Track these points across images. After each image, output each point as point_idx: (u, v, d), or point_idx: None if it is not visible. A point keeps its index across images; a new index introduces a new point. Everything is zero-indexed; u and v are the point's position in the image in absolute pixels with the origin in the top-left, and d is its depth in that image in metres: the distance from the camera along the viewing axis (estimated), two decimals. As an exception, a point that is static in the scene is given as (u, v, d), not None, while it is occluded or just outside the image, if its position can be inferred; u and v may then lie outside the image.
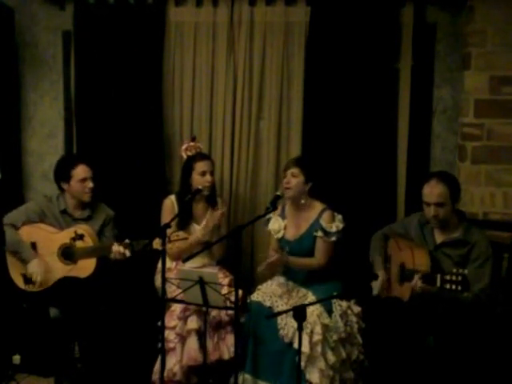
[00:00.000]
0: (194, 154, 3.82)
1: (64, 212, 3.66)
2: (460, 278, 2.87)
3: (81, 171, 3.62)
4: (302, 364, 3.22)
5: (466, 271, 2.90)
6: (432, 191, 3.17)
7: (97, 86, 4.15)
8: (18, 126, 4.36)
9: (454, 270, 2.91)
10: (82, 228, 3.56)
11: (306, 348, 3.21)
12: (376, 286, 3.30)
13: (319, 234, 3.51)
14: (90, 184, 3.62)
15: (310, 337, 3.25)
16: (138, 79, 4.11)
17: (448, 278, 2.91)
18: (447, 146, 4.05)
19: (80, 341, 3.60)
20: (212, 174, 3.76)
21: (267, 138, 4.17)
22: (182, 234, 3.40)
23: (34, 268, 3.52)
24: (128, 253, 3.42)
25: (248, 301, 3.44)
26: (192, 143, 3.86)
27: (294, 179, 3.54)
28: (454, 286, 2.89)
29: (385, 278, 3.33)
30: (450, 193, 3.16)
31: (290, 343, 3.28)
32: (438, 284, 2.94)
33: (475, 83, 3.77)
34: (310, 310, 3.23)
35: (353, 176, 3.99)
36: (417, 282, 3.04)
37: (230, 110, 4.14)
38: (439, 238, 3.28)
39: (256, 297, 3.49)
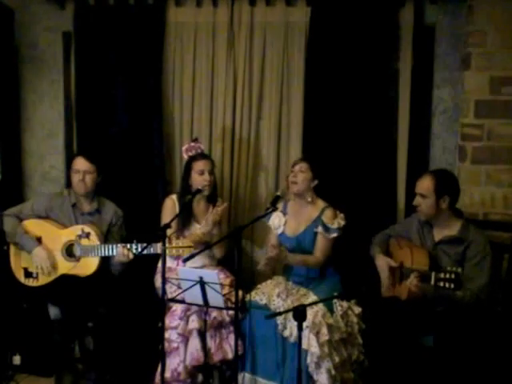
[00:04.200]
0: (194, 155, 3.82)
1: (74, 206, 3.68)
2: (453, 275, 2.90)
3: (76, 162, 3.67)
4: (312, 365, 3.22)
5: (459, 269, 2.93)
6: (419, 182, 3.26)
7: (97, 86, 4.16)
8: (17, 126, 4.36)
9: (449, 268, 2.95)
10: (90, 226, 3.57)
11: (315, 348, 3.21)
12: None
13: (320, 230, 3.52)
14: (79, 176, 3.62)
15: (317, 337, 3.24)
16: (138, 79, 4.12)
17: (442, 276, 2.94)
18: (447, 147, 4.05)
19: (80, 341, 3.60)
20: (211, 173, 3.76)
21: (267, 138, 4.17)
22: (186, 241, 3.39)
23: (37, 256, 3.51)
24: (131, 255, 3.44)
25: (246, 299, 3.45)
26: (192, 144, 3.87)
27: (302, 174, 3.56)
28: (447, 284, 2.92)
29: (386, 264, 3.35)
30: (434, 187, 3.19)
31: (294, 343, 3.27)
32: (432, 282, 2.96)
33: (475, 83, 3.77)
34: (314, 310, 3.24)
35: (353, 176, 3.99)
36: (412, 280, 3.06)
37: (230, 110, 4.14)
38: (438, 235, 3.29)
39: (253, 296, 3.49)
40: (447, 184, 3.23)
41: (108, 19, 4.11)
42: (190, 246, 3.40)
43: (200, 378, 3.50)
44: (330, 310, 3.34)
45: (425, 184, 3.22)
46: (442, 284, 2.93)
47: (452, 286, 2.90)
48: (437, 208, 3.21)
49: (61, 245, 3.56)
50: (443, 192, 3.19)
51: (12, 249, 3.61)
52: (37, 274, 3.58)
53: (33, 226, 3.60)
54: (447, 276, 2.92)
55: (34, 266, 3.54)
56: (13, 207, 3.66)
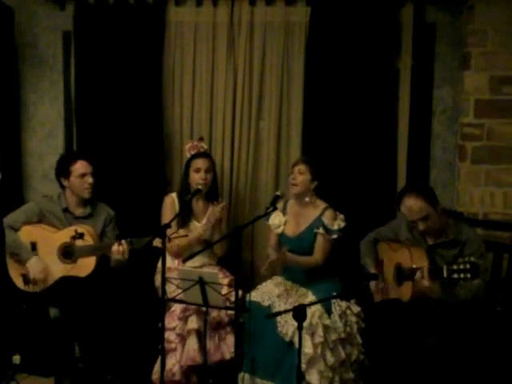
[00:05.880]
0: (195, 153, 3.84)
1: (66, 210, 3.66)
2: (468, 265, 2.83)
3: (80, 167, 3.62)
4: (304, 366, 3.23)
5: (472, 258, 2.86)
6: (410, 209, 3.13)
7: (97, 85, 4.15)
8: (17, 126, 4.36)
9: (461, 260, 2.88)
10: (82, 227, 3.56)
11: (309, 349, 3.22)
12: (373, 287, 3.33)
13: (320, 230, 3.52)
14: (90, 179, 3.61)
15: (312, 338, 3.25)
16: (138, 79, 4.12)
17: (455, 267, 2.86)
18: (447, 146, 4.05)
19: (80, 341, 3.60)
20: (208, 171, 3.77)
21: (267, 138, 4.17)
22: (181, 231, 3.41)
23: (32, 266, 3.50)
24: (126, 251, 3.41)
25: (247, 299, 3.44)
26: (196, 143, 3.88)
27: (300, 176, 3.56)
28: (462, 275, 2.84)
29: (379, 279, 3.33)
30: (427, 202, 3.11)
31: (291, 342, 3.28)
32: (445, 275, 2.89)
33: (475, 83, 3.77)
34: (311, 310, 3.24)
35: (353, 176, 3.99)
36: (421, 276, 3.00)
37: (230, 110, 4.14)
38: (430, 240, 3.26)
39: (254, 296, 3.49)
40: (431, 191, 3.22)
41: (108, 19, 4.11)
42: (185, 235, 3.40)
43: (195, 379, 3.50)
44: (328, 310, 3.34)
45: (417, 207, 3.10)
46: (456, 276, 2.85)
47: (468, 275, 2.82)
48: (439, 216, 3.18)
49: (56, 248, 3.54)
50: (434, 199, 3.16)
51: (9, 258, 3.59)
52: (36, 279, 3.57)
53: (26, 232, 3.58)
54: (461, 267, 2.84)
55: (31, 275, 3.52)
56: (5, 217, 3.61)
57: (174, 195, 3.84)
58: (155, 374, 3.48)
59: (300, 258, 3.55)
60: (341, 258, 3.67)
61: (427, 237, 3.26)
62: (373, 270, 3.39)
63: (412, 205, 3.12)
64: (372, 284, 3.38)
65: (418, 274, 3.01)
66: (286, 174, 3.98)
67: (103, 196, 3.81)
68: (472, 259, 2.87)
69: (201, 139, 3.92)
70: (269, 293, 3.52)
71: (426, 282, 2.99)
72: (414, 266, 3.10)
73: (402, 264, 3.24)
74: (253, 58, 4.11)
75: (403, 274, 3.21)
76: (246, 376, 3.43)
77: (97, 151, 4.09)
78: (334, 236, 3.52)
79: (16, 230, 3.58)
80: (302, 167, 3.58)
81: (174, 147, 4.24)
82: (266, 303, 3.45)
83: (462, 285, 3.01)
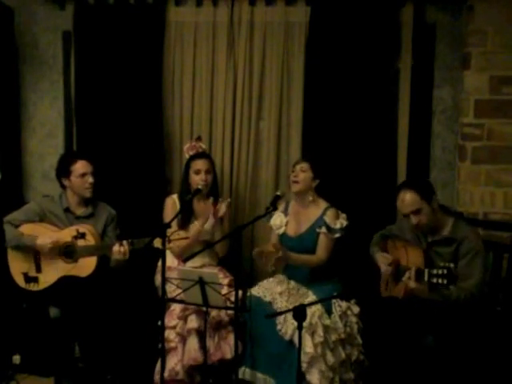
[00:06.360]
0: (194, 154, 3.84)
1: (67, 210, 3.66)
2: (445, 271, 2.89)
3: (80, 166, 3.62)
4: (304, 365, 3.23)
5: (451, 264, 2.92)
6: (403, 202, 3.16)
7: (97, 85, 4.16)
8: (17, 125, 4.36)
9: (441, 264, 2.94)
10: (84, 227, 3.56)
11: (310, 349, 3.22)
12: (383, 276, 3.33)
13: (323, 230, 3.52)
14: (90, 179, 3.62)
15: (312, 338, 3.25)
16: (138, 79, 4.12)
17: (434, 272, 2.93)
18: (447, 146, 4.05)
19: (80, 341, 3.60)
20: (208, 172, 3.77)
21: (267, 138, 4.17)
22: (182, 233, 3.41)
23: (42, 244, 3.48)
24: (127, 251, 3.41)
25: (248, 294, 3.44)
26: (194, 143, 3.88)
27: (303, 174, 3.57)
28: (440, 280, 2.91)
29: (385, 260, 3.33)
30: (420, 196, 3.12)
31: (291, 341, 3.28)
32: (426, 279, 2.95)
33: (475, 83, 3.77)
34: (311, 310, 3.24)
35: (353, 176, 3.99)
36: (408, 278, 3.04)
37: (230, 110, 4.14)
38: (430, 236, 3.27)
39: (257, 291, 3.49)
40: (426, 185, 3.23)
41: (108, 19, 4.11)
42: (186, 238, 3.41)
43: (198, 378, 3.51)
44: (328, 311, 3.35)
45: (410, 200, 3.13)
46: (435, 280, 2.92)
47: (445, 281, 2.89)
48: (433, 212, 3.19)
49: (57, 247, 3.55)
50: (429, 195, 3.17)
51: (10, 255, 3.60)
52: (37, 278, 3.57)
53: (27, 230, 3.57)
54: (440, 272, 2.91)
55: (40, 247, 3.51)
56: (6, 216, 3.61)
57: (175, 196, 3.84)
58: (157, 374, 3.46)
59: (302, 256, 3.55)
60: (341, 258, 3.67)
61: (428, 235, 3.27)
62: (380, 256, 3.37)
63: (404, 198, 3.16)
64: (383, 274, 3.37)
65: (406, 275, 3.06)
66: (286, 174, 3.98)
67: (103, 196, 3.81)
68: (451, 265, 2.92)
69: (198, 138, 3.92)
70: (271, 289, 3.53)
71: (412, 284, 3.03)
72: (405, 266, 3.14)
73: (400, 262, 3.25)
74: (253, 57, 4.11)
75: (399, 273, 3.22)
76: (247, 370, 3.44)
77: (97, 151, 4.09)
78: (337, 235, 3.53)
79: (16, 226, 3.58)
80: (304, 165, 3.58)
81: (173, 147, 4.25)
82: (268, 299, 3.46)
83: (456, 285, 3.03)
